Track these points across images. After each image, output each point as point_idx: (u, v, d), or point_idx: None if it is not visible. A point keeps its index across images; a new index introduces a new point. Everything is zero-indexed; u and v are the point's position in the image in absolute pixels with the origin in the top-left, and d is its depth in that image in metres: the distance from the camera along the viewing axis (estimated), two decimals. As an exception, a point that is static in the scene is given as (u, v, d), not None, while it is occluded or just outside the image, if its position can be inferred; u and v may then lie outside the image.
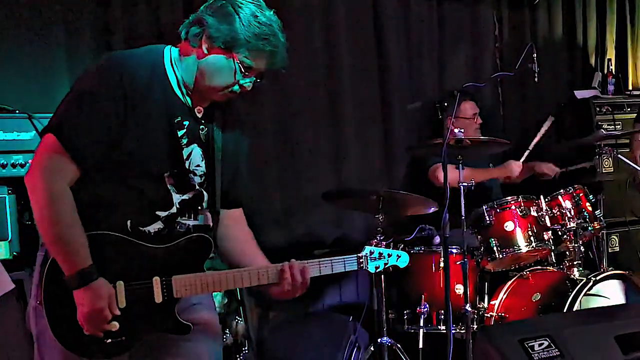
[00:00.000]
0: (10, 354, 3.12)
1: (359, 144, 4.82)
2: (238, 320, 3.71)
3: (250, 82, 2.19)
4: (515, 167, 4.47)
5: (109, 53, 2.20)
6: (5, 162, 3.20)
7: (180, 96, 2.20)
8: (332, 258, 2.36)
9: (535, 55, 4.01)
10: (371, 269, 2.46)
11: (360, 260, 2.43)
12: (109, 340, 2.10)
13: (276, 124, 4.55)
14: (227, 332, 3.66)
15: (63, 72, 3.90)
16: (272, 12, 2.18)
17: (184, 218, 2.23)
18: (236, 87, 2.19)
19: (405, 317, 4.05)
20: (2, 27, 3.76)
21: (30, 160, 3.15)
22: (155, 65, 2.17)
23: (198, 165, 2.24)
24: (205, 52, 2.15)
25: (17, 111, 3.31)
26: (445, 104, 4.57)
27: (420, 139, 4.94)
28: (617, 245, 5.25)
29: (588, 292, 3.87)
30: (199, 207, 2.27)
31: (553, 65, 5.53)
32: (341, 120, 4.78)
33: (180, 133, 2.19)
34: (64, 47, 3.92)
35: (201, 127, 2.24)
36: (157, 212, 2.17)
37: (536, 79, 4.03)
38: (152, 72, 2.15)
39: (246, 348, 3.73)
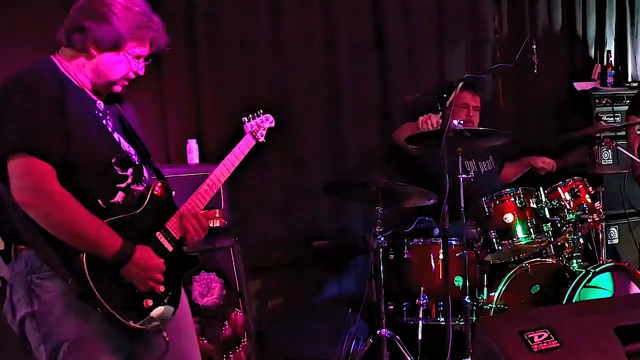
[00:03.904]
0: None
1: (358, 136, 4.82)
2: (237, 311, 3.71)
3: (143, 66, 2.35)
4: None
5: (13, 74, 2.21)
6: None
7: (85, 93, 2.30)
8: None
9: (534, 46, 3.99)
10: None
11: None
12: (166, 300, 2.29)
13: (275, 116, 4.53)
14: (226, 323, 3.66)
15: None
16: None
17: (135, 185, 2.34)
18: (131, 74, 2.33)
19: (405, 309, 4.04)
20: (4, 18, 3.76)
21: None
22: (55, 72, 2.24)
23: (127, 149, 2.35)
24: (95, 53, 2.25)
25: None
26: (445, 95, 4.53)
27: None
28: (616, 237, 5.26)
29: (587, 284, 3.88)
30: (143, 178, 2.39)
31: (552, 56, 5.52)
32: (341, 111, 4.77)
33: (104, 122, 2.30)
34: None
35: (107, 113, 2.35)
36: (117, 185, 2.28)
37: (535, 71, 4.01)
38: (60, 78, 2.22)
39: (245, 339, 3.73)
